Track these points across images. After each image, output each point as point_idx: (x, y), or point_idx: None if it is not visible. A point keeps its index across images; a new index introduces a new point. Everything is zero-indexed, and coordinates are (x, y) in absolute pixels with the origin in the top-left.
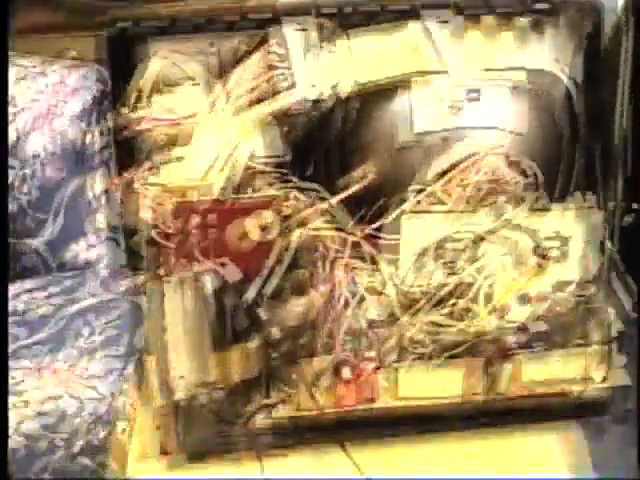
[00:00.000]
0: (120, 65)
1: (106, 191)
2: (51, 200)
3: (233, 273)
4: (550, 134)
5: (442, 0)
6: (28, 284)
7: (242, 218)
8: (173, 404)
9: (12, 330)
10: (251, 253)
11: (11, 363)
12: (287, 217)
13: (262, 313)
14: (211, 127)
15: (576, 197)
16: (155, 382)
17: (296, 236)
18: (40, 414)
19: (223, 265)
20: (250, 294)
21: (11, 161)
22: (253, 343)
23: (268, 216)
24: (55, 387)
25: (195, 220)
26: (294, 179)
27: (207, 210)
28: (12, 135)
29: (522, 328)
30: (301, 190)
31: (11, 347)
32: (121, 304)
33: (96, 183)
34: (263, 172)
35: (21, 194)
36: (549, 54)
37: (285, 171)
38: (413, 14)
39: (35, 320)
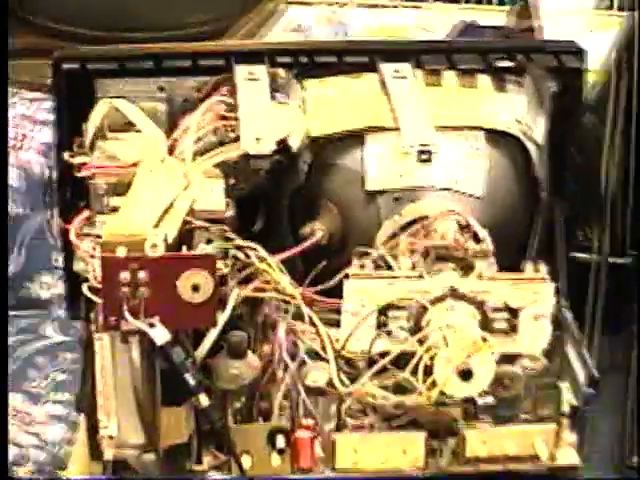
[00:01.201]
0: (66, 106)
1: None
2: (13, 236)
3: (162, 334)
4: (509, 198)
5: (401, 54)
6: None
7: (174, 277)
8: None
9: None
10: (184, 313)
11: None
12: (223, 277)
13: (190, 377)
14: (151, 178)
15: (528, 267)
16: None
17: (233, 297)
18: None
19: (151, 325)
20: (180, 356)
21: None
22: (183, 407)
23: (201, 276)
24: None
25: (124, 276)
26: (234, 236)
27: (137, 265)
28: None
29: (467, 402)
30: (240, 248)
31: None
32: (74, 348)
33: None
34: (202, 228)
35: None
36: (510, 114)
37: (226, 228)
38: (370, 67)
39: None
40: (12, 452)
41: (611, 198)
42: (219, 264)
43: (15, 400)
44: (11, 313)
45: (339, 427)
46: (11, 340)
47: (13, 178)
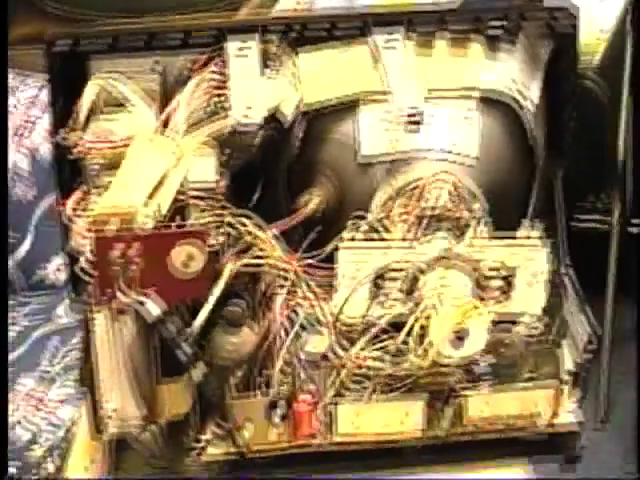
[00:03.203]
0: (61, 84)
1: None
2: (21, 219)
3: (152, 311)
4: (504, 162)
5: (394, 17)
6: None
7: (167, 249)
8: (105, 440)
9: None
10: (176, 287)
11: None
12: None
13: (186, 349)
14: (142, 154)
15: (523, 227)
16: (87, 416)
17: (227, 271)
18: None
19: (142, 303)
20: (171, 332)
21: None
22: (181, 379)
23: (192, 250)
24: (9, 416)
25: (116, 252)
26: (229, 207)
27: (129, 241)
28: None
29: (465, 370)
30: (234, 218)
31: None
32: None
33: None
34: (195, 198)
35: None
36: (504, 78)
37: (220, 197)
38: (364, 32)
39: None
40: (25, 435)
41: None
42: (212, 235)
43: (28, 382)
44: (23, 294)
45: (338, 396)
46: (23, 323)
47: (22, 163)
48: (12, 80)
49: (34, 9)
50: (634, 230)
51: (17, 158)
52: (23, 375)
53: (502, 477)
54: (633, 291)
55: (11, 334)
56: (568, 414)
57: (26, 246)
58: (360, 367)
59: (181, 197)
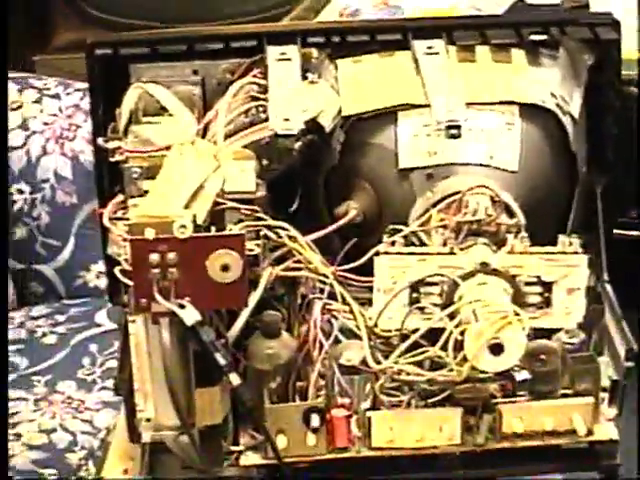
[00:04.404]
0: (102, 91)
1: None
2: (62, 225)
3: (191, 315)
4: (545, 173)
5: (434, 29)
6: (34, 312)
7: (205, 254)
8: (140, 447)
9: (13, 359)
10: (214, 293)
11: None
12: (256, 257)
13: (224, 354)
14: (181, 160)
15: (562, 241)
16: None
17: (265, 276)
18: (31, 448)
19: (181, 306)
20: (210, 336)
21: (22, 185)
22: (217, 388)
23: (230, 256)
24: (50, 420)
25: (154, 256)
26: (265, 216)
27: (167, 246)
28: (23, 159)
29: (504, 378)
30: (271, 228)
31: (10, 377)
32: None
33: None
34: (232, 209)
35: (31, 219)
36: (545, 88)
37: (256, 208)
38: (403, 44)
39: (38, 350)
40: (64, 439)
41: None
42: (250, 244)
43: (68, 387)
44: (64, 302)
45: (375, 405)
46: (64, 328)
47: (60, 168)
48: (55, 86)
49: (78, 16)
50: None
51: (59, 164)
52: (63, 380)
53: None
54: None
55: (52, 339)
56: (604, 431)
57: (67, 252)
58: (396, 377)
59: (218, 208)
